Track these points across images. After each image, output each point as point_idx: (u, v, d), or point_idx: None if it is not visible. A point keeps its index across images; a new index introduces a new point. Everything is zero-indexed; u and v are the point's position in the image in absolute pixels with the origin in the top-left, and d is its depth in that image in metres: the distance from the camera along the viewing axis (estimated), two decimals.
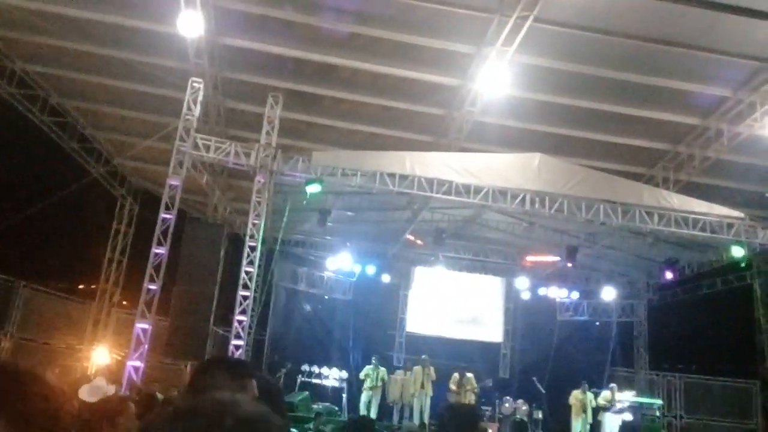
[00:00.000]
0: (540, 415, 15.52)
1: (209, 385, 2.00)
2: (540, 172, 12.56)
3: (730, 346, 18.94)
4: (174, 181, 11.51)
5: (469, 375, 15.53)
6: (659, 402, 16.74)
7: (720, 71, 11.48)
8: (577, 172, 12.93)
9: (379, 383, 15.39)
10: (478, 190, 12.34)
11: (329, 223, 14.15)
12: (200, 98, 11.76)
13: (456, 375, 15.41)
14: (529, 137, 13.62)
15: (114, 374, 11.84)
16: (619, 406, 14.73)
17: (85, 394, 3.88)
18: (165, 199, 11.43)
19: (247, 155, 11.94)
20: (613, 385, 15.73)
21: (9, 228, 15.82)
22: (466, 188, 12.32)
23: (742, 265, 14.25)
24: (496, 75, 11.08)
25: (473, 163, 12.57)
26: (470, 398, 15.22)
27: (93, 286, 17.65)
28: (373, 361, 15.63)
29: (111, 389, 4.19)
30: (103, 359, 15.34)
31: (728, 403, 18.66)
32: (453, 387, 15.28)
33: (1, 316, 13.66)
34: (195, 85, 11.72)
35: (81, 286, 19.36)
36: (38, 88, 13.80)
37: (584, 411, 15.20)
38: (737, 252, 12.92)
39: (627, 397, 15.07)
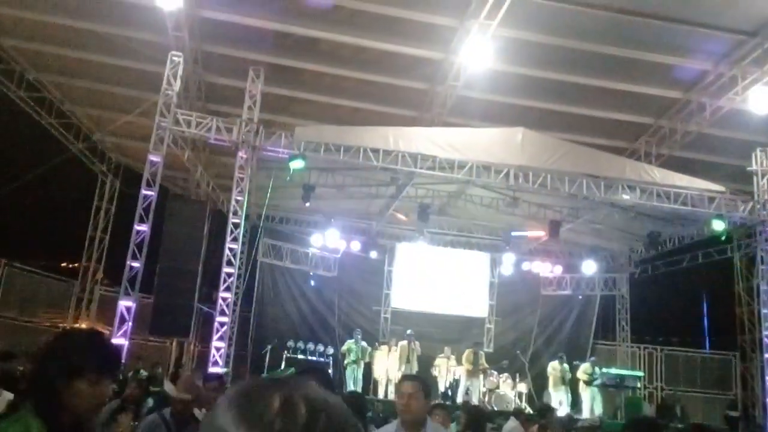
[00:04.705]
0: (524, 388, 15.68)
1: None
2: (523, 146, 12.54)
3: (710, 318, 19.26)
4: (155, 157, 11.39)
5: (482, 353, 15.58)
6: (640, 374, 17.00)
7: (701, 44, 11.49)
8: (560, 146, 12.93)
9: (362, 357, 15.45)
10: (462, 165, 12.33)
11: (313, 199, 14.07)
12: (180, 72, 11.60)
13: (469, 353, 15.35)
14: (512, 112, 13.59)
15: None
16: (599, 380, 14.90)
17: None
18: (146, 175, 11.31)
19: (229, 131, 11.82)
20: (593, 358, 15.89)
21: None
22: (449, 163, 12.31)
23: (723, 238, 14.30)
24: (479, 49, 11.01)
25: (457, 138, 12.53)
26: (481, 377, 15.20)
27: (75, 264, 17.49)
28: (355, 336, 15.69)
29: None
30: None
31: (708, 374, 19.02)
32: (467, 366, 15.23)
33: None
34: (174, 59, 11.55)
35: (63, 264, 19.16)
36: (14, 63, 13.53)
37: (563, 382, 15.37)
38: (718, 225, 13.01)
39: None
